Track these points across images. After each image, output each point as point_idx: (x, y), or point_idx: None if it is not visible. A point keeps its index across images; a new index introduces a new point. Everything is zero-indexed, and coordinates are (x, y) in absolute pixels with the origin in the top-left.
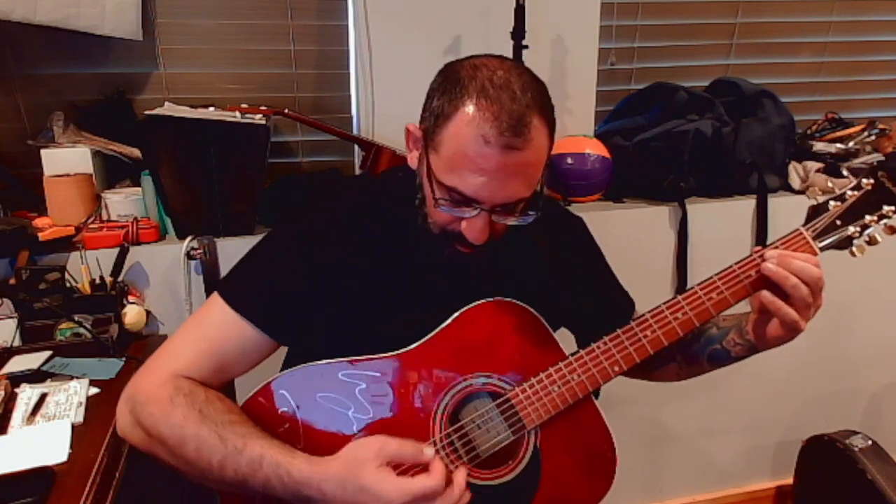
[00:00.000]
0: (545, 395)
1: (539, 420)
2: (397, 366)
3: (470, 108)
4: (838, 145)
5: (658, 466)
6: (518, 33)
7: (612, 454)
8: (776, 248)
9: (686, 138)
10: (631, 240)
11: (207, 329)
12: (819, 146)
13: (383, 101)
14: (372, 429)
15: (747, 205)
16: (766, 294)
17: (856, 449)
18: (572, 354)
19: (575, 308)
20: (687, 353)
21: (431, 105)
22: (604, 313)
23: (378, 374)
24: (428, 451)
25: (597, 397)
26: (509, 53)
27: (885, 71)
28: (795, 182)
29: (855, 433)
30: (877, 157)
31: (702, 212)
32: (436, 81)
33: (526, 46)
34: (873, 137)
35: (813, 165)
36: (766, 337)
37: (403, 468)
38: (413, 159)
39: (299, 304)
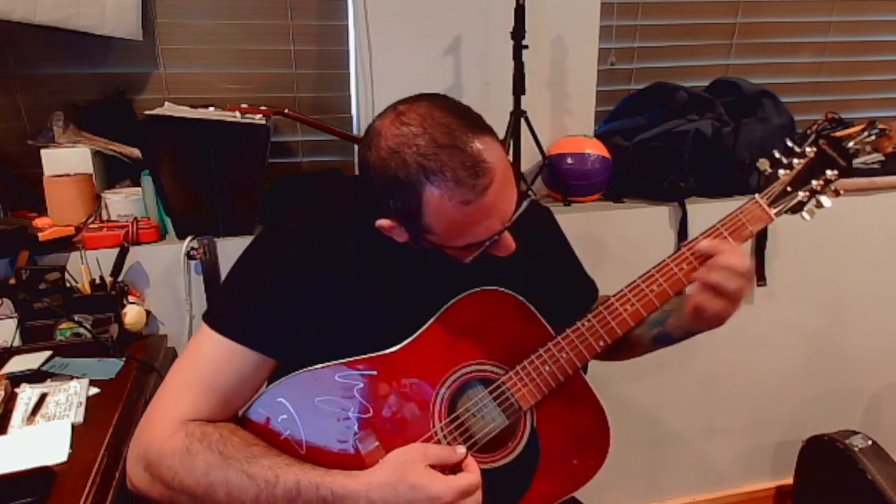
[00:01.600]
0: (537, 375)
1: (534, 400)
2: (393, 362)
3: (432, 192)
4: None
5: (658, 466)
6: (518, 33)
7: (605, 424)
8: (707, 236)
9: (686, 138)
10: (631, 240)
11: (202, 365)
12: None
13: (383, 101)
14: (374, 427)
15: None
16: (699, 298)
17: (856, 449)
18: (559, 334)
19: (549, 293)
20: (634, 336)
21: (389, 204)
22: (572, 297)
23: (375, 373)
24: (460, 449)
25: (584, 372)
26: (509, 53)
27: (885, 71)
28: None
29: (855, 433)
30: (877, 157)
31: (702, 212)
32: (373, 181)
33: (526, 46)
34: (873, 137)
35: None
36: (699, 325)
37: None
38: (400, 238)
39: (289, 317)
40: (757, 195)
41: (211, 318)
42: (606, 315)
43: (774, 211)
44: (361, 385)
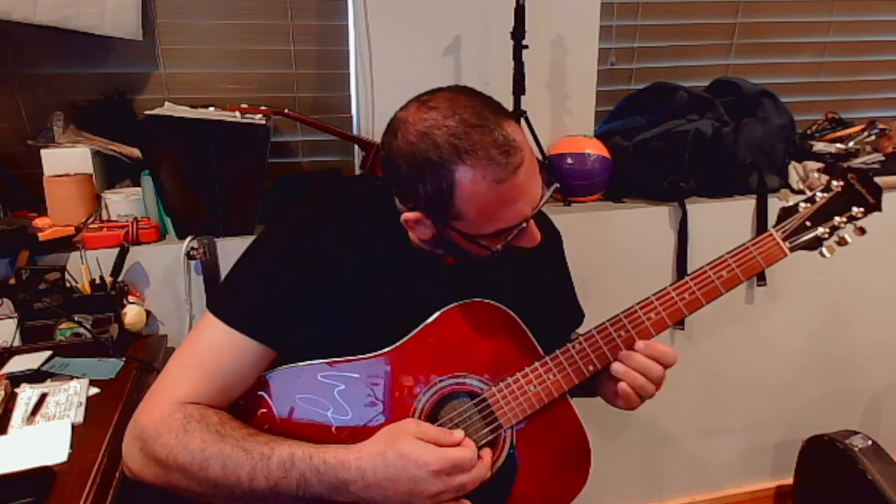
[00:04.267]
0: (521, 394)
1: (515, 419)
2: (376, 367)
3: (465, 172)
4: (838, 145)
5: (658, 466)
6: (518, 33)
7: (586, 451)
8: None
9: (686, 138)
10: (631, 240)
11: (203, 352)
12: (819, 146)
13: (383, 101)
14: (351, 429)
15: (747, 205)
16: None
17: (856, 449)
18: (548, 354)
19: (539, 311)
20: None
21: (418, 193)
22: (557, 320)
23: (357, 376)
24: (457, 432)
25: (572, 396)
26: (509, 53)
27: (885, 71)
28: (795, 182)
29: (855, 433)
30: (877, 157)
31: (702, 212)
32: (400, 169)
33: (526, 46)
34: (873, 137)
35: (813, 165)
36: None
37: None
38: (423, 234)
39: (291, 311)
40: (772, 229)
41: (215, 307)
42: (599, 339)
43: (790, 246)
44: (343, 387)
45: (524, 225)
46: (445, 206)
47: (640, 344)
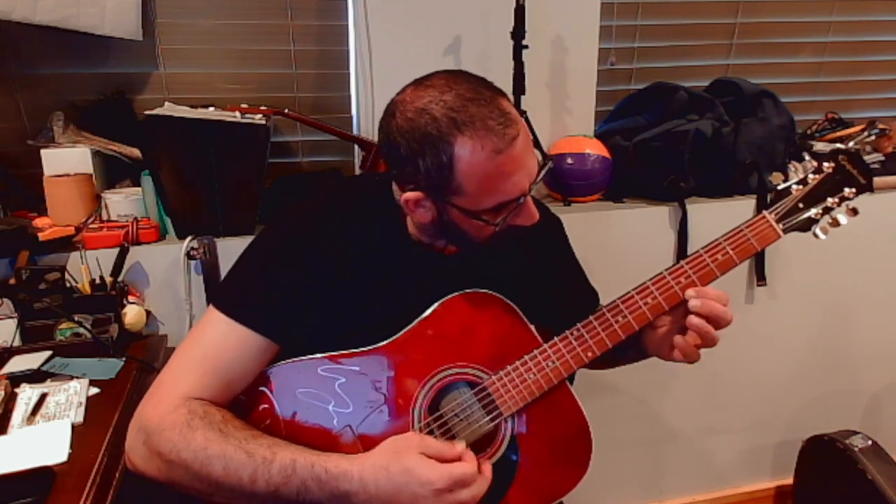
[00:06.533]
0: (521, 382)
1: (516, 407)
2: (376, 360)
3: (464, 143)
4: (838, 145)
5: (658, 466)
6: (518, 33)
7: (587, 438)
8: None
9: (686, 138)
10: (631, 240)
11: (207, 346)
12: (819, 146)
13: (383, 101)
14: (353, 422)
15: (747, 205)
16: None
17: (856, 449)
18: (547, 341)
19: (546, 299)
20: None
21: (418, 170)
22: (571, 304)
23: (357, 369)
24: (459, 444)
25: (571, 382)
26: (509, 53)
27: (885, 71)
28: None
29: (855, 433)
30: (877, 157)
31: (702, 212)
32: (399, 147)
33: (526, 46)
34: (873, 137)
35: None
36: (662, 350)
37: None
38: (423, 217)
39: (294, 306)
40: (765, 211)
41: (218, 301)
42: (597, 325)
43: (783, 227)
44: (343, 380)
45: (522, 200)
46: (446, 180)
47: (690, 292)
